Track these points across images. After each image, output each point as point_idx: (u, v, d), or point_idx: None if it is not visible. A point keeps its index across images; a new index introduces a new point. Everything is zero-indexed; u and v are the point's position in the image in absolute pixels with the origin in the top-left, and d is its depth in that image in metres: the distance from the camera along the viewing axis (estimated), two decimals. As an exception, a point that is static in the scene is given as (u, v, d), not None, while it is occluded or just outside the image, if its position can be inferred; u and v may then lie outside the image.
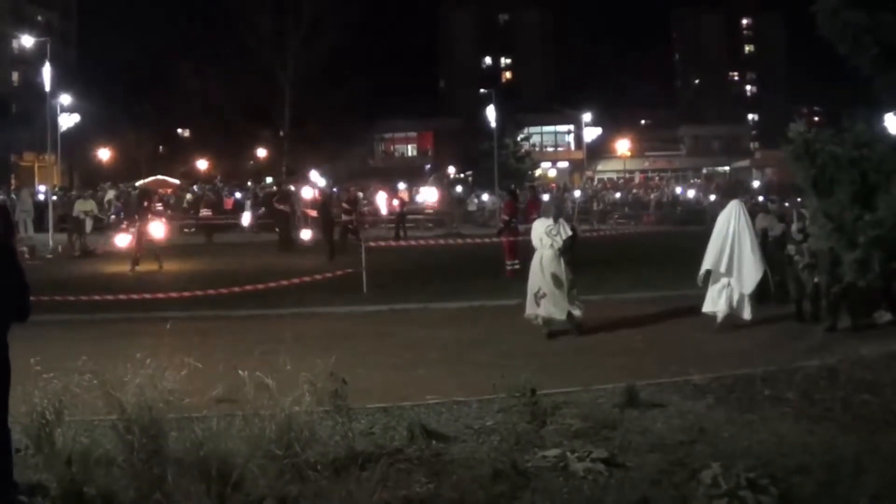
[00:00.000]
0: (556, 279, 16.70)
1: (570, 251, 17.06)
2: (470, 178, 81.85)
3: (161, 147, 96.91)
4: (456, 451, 9.25)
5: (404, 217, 47.41)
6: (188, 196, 56.35)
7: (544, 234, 16.96)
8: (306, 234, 40.88)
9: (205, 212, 50.48)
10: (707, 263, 17.35)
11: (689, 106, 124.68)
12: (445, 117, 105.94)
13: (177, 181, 73.25)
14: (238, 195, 58.17)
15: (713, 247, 17.38)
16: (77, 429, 8.58)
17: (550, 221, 17.21)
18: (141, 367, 8.27)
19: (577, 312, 16.85)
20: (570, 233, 17.03)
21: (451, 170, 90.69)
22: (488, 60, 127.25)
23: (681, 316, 19.21)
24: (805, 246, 17.27)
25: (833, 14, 9.87)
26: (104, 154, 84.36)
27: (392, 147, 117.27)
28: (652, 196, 70.00)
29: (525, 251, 26.19)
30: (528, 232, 18.85)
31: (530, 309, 17.12)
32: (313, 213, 42.24)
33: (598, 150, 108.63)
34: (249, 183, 68.13)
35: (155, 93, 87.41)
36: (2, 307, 7.82)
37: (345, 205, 36.94)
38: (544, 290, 16.76)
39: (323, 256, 31.47)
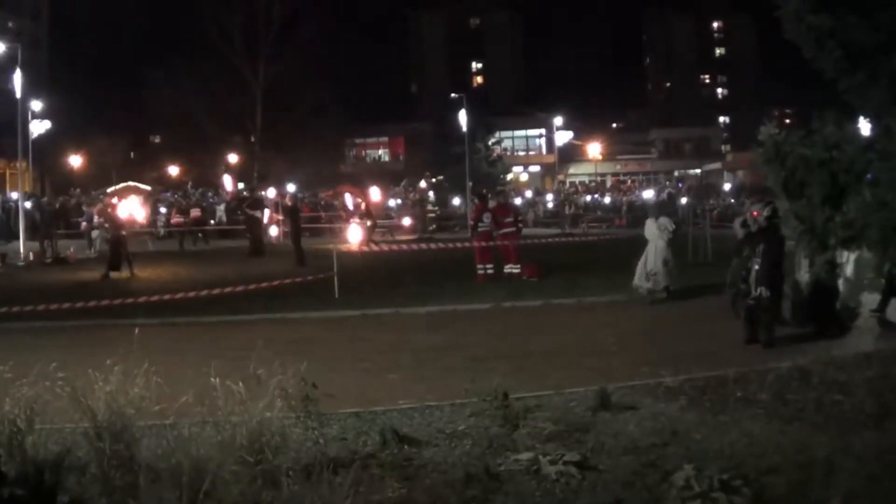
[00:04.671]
0: (665, 262, 21.33)
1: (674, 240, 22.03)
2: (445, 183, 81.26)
3: (132, 153, 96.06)
4: (428, 455, 9.23)
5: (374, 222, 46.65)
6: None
7: (657, 229, 21.57)
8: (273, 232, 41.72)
9: (177, 218, 50.22)
10: None
11: (661, 109, 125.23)
12: (416, 122, 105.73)
13: (148, 187, 72.77)
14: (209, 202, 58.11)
15: None
16: (48, 436, 8.51)
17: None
18: (112, 374, 8.23)
19: (672, 286, 21.50)
20: (674, 226, 22.20)
21: (441, 178, 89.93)
22: (459, 65, 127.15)
23: (653, 318, 19.32)
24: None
25: (797, 18, 9.89)
26: (75, 160, 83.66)
27: (363, 152, 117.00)
28: (624, 199, 70.11)
29: (498, 255, 26.28)
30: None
31: (639, 281, 21.42)
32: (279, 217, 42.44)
33: (570, 154, 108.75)
34: (211, 195, 67.91)
35: (126, 98, 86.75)
36: None
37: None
38: (655, 270, 21.19)
39: (293, 262, 31.42)
